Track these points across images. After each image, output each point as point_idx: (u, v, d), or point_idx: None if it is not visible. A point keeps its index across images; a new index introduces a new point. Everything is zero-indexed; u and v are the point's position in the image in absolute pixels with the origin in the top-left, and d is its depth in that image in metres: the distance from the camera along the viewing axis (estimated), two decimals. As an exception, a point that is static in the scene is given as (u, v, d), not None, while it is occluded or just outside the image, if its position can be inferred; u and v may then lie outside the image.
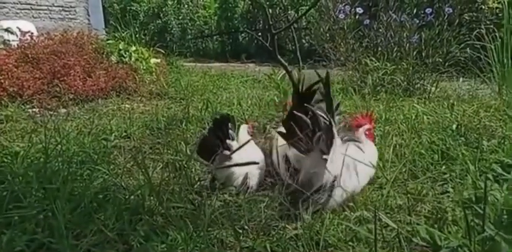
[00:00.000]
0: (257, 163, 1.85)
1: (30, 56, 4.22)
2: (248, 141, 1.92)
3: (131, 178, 2.01)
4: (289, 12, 8.86)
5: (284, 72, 2.98)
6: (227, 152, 1.84)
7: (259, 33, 9.89)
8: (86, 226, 1.45)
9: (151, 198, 1.68)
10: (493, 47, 3.87)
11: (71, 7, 7.22)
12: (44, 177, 1.76)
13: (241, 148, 1.89)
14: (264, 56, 8.34)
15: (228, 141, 1.87)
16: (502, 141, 2.21)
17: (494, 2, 5.74)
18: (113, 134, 2.81)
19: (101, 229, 1.41)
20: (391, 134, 2.35)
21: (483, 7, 5.87)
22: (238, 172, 1.84)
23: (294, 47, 3.15)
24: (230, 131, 1.91)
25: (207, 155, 1.85)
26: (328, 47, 4.78)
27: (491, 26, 4.28)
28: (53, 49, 4.35)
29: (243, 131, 2.06)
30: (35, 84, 3.94)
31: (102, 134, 2.82)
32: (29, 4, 6.52)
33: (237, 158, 1.85)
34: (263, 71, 5.05)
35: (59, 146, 2.17)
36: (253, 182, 1.85)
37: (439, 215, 1.53)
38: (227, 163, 1.83)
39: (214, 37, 11.00)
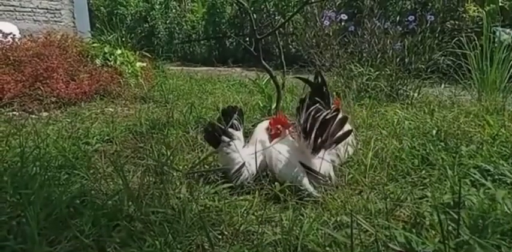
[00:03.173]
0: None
1: (11, 58, 4.14)
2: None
3: (111, 183, 1.98)
4: (276, 18, 8.93)
5: (269, 77, 3.00)
6: (226, 139, 1.97)
7: (247, 38, 9.92)
8: (61, 232, 1.42)
9: (131, 203, 1.66)
10: (473, 54, 3.96)
11: (56, 9, 7.13)
12: (19, 182, 1.72)
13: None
14: (251, 61, 8.38)
15: (230, 129, 2.01)
16: (480, 146, 2.25)
17: (474, 11, 5.90)
18: (95, 138, 2.77)
19: (76, 235, 1.38)
20: (372, 139, 2.37)
21: (464, 15, 6.02)
22: (238, 160, 1.95)
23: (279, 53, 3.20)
24: (235, 121, 2.04)
25: (212, 141, 2.04)
26: (313, 52, 4.82)
27: (472, 34, 4.38)
28: (36, 51, 4.29)
29: (261, 127, 2.11)
30: (16, 87, 3.86)
31: (83, 138, 2.78)
32: (12, 6, 6.42)
33: (235, 146, 1.98)
34: (249, 76, 5.06)
35: (38, 150, 2.12)
36: (247, 172, 1.92)
37: (417, 220, 1.54)
38: (225, 149, 1.98)
39: (202, 42, 10.99)
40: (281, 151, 1.89)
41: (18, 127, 2.86)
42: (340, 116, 1.83)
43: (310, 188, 1.80)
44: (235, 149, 1.97)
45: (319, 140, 1.79)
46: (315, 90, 1.93)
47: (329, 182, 1.84)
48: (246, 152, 1.99)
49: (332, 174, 1.87)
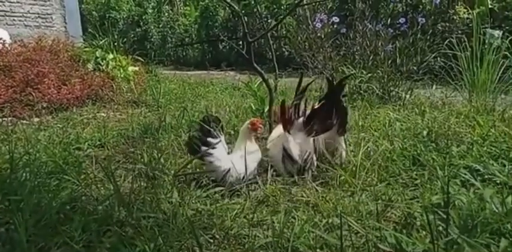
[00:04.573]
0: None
1: (1, 63, 4.11)
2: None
3: (102, 188, 1.96)
4: (269, 21, 8.96)
5: (261, 79, 3.00)
6: (204, 148, 1.98)
7: (240, 42, 9.94)
8: (51, 239, 1.40)
9: (121, 208, 1.65)
10: (463, 56, 4.00)
11: (48, 14, 7.09)
12: (9, 189, 1.70)
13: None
14: (244, 64, 8.38)
15: (208, 138, 2.01)
16: (471, 146, 2.27)
17: (465, 13, 5.96)
18: (86, 143, 2.75)
19: (67, 241, 1.37)
20: (364, 141, 2.38)
21: (455, 17, 6.08)
22: (223, 168, 1.96)
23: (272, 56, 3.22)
24: (212, 130, 2.04)
25: (192, 151, 2.05)
26: (306, 55, 4.83)
27: (462, 36, 4.42)
28: (27, 57, 4.26)
29: (244, 128, 2.14)
30: (6, 93, 3.84)
31: (75, 143, 2.76)
32: (3, 11, 6.37)
33: (217, 154, 1.99)
34: (242, 79, 5.07)
35: (28, 155, 2.10)
36: (232, 177, 1.95)
37: (408, 221, 1.55)
38: (207, 158, 1.99)
39: (195, 45, 10.99)
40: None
41: (8, 133, 2.83)
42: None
43: (281, 168, 2.05)
44: (218, 157, 1.97)
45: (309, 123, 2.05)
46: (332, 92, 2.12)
47: (297, 165, 2.03)
48: (234, 157, 1.99)
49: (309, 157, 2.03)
